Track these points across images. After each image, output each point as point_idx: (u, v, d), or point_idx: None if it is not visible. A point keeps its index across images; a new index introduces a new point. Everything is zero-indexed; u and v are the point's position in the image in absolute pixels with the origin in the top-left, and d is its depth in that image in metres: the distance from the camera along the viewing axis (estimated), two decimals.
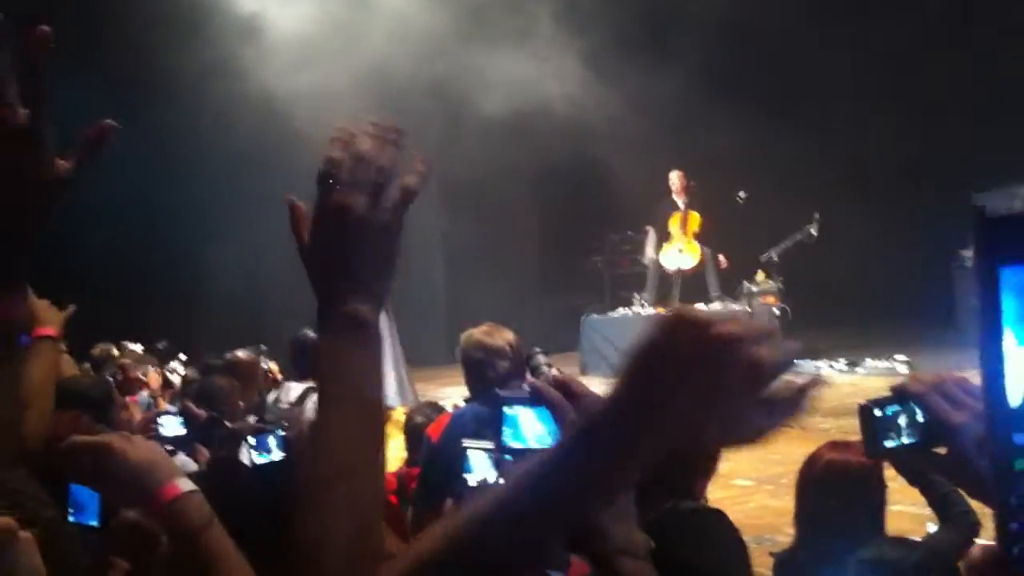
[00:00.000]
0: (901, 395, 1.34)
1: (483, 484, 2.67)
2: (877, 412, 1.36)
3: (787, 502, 3.36)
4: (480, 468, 2.63)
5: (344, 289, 1.23)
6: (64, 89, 1.35)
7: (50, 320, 3.01)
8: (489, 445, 2.45)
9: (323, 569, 1.15)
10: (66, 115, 1.35)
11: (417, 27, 12.90)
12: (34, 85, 1.28)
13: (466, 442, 2.76)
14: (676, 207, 12.94)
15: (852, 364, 11.51)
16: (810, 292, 12.62)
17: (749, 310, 12.10)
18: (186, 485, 1.44)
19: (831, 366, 11.52)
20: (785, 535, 3.34)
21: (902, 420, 1.34)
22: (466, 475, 2.73)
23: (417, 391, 9.74)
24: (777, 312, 12.26)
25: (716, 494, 3.23)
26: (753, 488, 6.20)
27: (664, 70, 12.94)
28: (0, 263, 1.35)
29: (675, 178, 12.94)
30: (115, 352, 7.04)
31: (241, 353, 5.56)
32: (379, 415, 1.26)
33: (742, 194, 12.59)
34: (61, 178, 1.33)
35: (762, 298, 12.42)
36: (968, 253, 11.35)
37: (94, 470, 1.51)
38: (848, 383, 9.87)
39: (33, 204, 1.33)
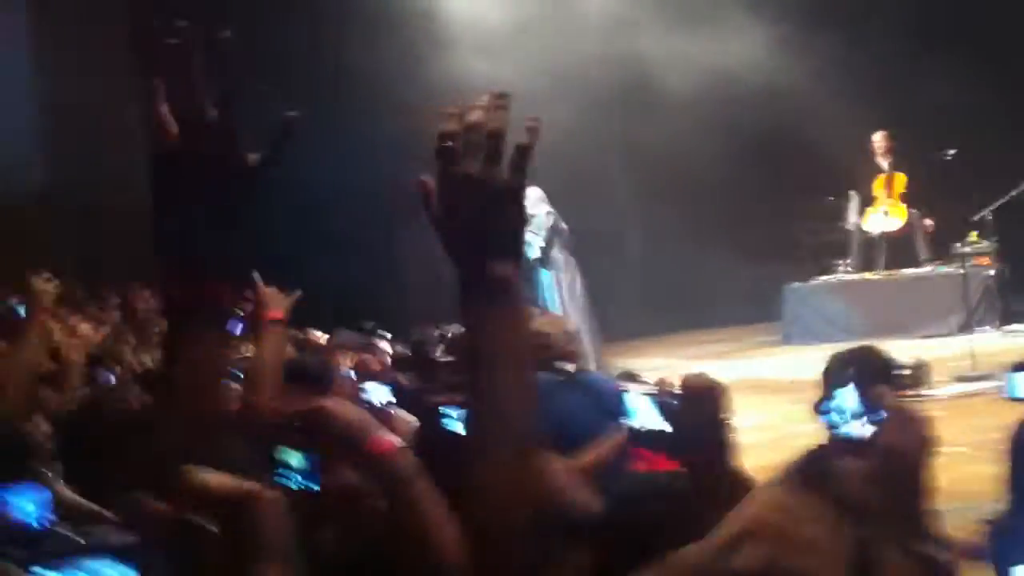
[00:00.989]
0: None
1: (645, 428, 2.65)
2: None
3: (998, 469, 3.22)
4: (643, 412, 2.62)
5: (480, 251, 1.29)
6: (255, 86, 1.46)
7: (277, 305, 3.27)
8: (649, 389, 2.46)
9: (490, 500, 1.23)
10: (251, 112, 1.48)
11: (602, 6, 12.88)
12: (223, 85, 1.41)
13: (623, 384, 2.76)
14: (881, 169, 12.46)
15: None
16: None
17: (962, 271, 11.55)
18: (395, 439, 1.54)
19: None
20: (996, 503, 3.22)
21: None
22: (627, 420, 2.72)
23: (609, 362, 9.85)
24: (992, 273, 11.64)
25: None
26: (964, 455, 5.92)
27: (865, 28, 12.44)
28: (211, 251, 1.48)
29: (879, 139, 12.44)
30: (300, 337, 7.26)
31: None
32: (532, 369, 1.31)
33: (951, 152, 11.94)
34: (253, 169, 1.46)
35: (975, 259, 11.79)
36: None
37: (310, 433, 1.63)
38: None
39: (230, 194, 1.46)
